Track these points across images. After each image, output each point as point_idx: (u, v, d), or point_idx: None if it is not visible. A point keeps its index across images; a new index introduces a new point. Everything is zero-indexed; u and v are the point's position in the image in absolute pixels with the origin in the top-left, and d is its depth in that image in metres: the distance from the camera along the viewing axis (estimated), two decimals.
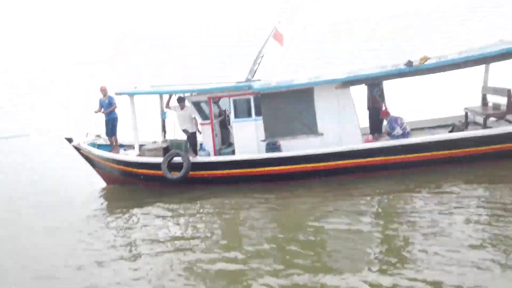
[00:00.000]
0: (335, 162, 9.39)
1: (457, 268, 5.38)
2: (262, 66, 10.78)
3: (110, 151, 12.06)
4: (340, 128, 9.76)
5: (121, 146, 12.41)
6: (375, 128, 10.80)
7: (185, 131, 10.47)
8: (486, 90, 10.61)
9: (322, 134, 9.85)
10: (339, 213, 7.90)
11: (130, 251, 7.55)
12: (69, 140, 11.89)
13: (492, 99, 10.43)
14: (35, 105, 30.37)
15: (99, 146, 12.45)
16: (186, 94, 10.70)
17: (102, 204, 10.62)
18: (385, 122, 10.30)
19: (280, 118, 10.03)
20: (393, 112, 10.11)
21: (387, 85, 10.58)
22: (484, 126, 9.57)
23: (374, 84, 10.30)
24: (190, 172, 9.94)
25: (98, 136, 12.60)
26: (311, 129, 9.91)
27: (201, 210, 9.17)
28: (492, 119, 9.77)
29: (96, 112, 11.68)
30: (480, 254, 5.63)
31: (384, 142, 9.49)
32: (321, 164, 9.46)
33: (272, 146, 9.98)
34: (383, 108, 10.61)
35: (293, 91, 9.81)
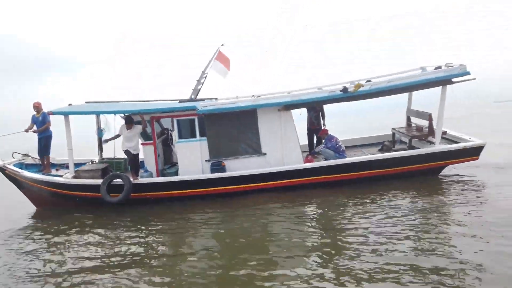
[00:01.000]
0: (278, 181, 9.79)
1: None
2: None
3: (40, 170, 11.28)
4: (282, 148, 10.18)
5: (53, 165, 11.66)
6: (313, 147, 11.70)
7: (126, 152, 10.11)
8: (410, 113, 11.78)
9: (265, 154, 10.19)
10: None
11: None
12: None
13: (415, 120, 11.61)
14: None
15: (27, 166, 11.57)
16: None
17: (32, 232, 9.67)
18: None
19: (224, 138, 10.19)
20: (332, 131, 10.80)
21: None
22: (410, 146, 10.61)
23: (312, 108, 11.12)
24: (132, 194, 9.71)
25: (26, 155, 11.70)
26: (255, 149, 10.20)
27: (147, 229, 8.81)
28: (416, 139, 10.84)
29: (26, 130, 10.77)
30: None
31: (321, 163, 10.09)
32: (265, 183, 9.80)
33: (217, 166, 10.10)
34: (322, 128, 11.37)
35: (237, 113, 10.01)
